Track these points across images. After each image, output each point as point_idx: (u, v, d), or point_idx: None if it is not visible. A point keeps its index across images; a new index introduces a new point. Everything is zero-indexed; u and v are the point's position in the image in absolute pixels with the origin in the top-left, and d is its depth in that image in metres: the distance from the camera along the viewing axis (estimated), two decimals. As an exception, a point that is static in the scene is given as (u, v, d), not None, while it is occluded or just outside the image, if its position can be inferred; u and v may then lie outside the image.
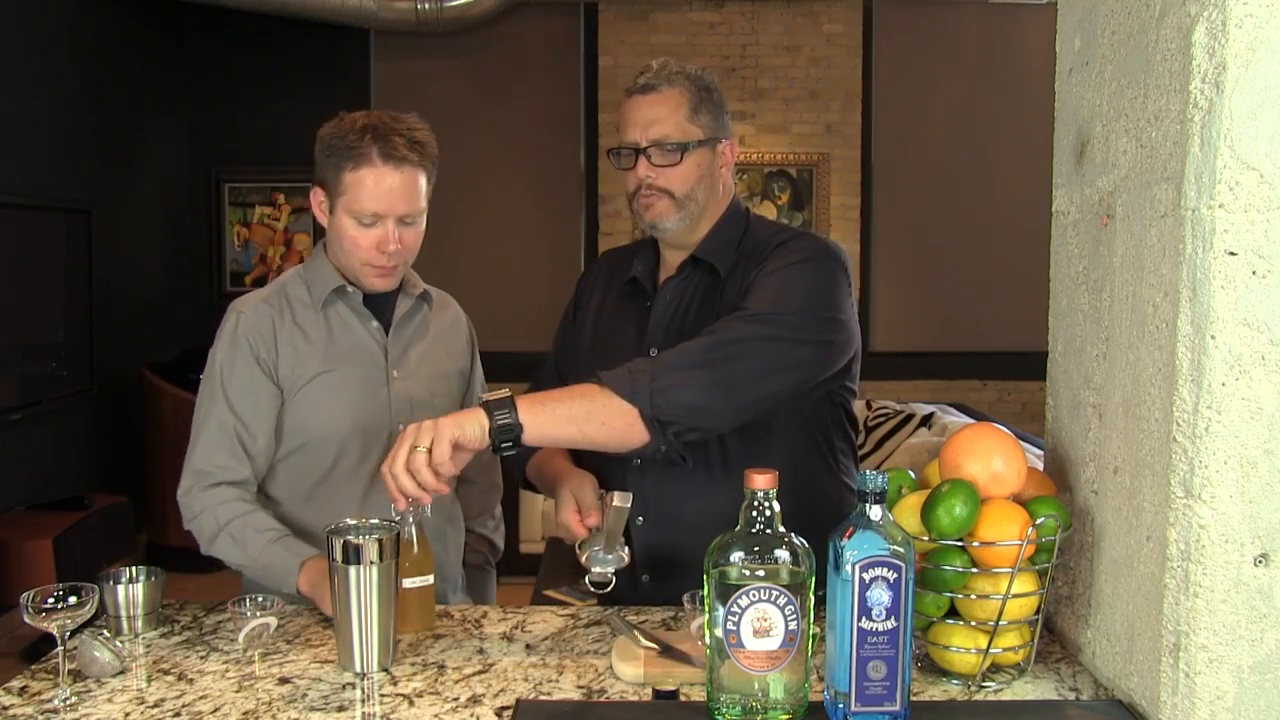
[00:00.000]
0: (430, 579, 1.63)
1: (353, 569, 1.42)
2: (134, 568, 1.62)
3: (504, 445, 1.50)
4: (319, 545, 1.77)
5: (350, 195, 1.79)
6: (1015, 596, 1.34)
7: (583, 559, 1.66)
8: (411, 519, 1.62)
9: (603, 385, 1.56)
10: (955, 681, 1.39)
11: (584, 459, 1.79)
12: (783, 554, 1.22)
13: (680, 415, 1.55)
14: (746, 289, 1.71)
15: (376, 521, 1.51)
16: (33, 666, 1.45)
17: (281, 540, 1.76)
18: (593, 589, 1.67)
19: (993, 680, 1.39)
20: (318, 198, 1.87)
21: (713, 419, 1.60)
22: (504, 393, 1.53)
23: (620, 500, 1.61)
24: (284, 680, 1.41)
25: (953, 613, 1.39)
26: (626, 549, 1.66)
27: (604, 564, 1.65)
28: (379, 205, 1.79)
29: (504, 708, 1.32)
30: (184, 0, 5.74)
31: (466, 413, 1.52)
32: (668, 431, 1.55)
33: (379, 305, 1.94)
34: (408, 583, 1.59)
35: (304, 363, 1.86)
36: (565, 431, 1.55)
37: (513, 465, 1.94)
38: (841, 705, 1.22)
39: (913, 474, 1.50)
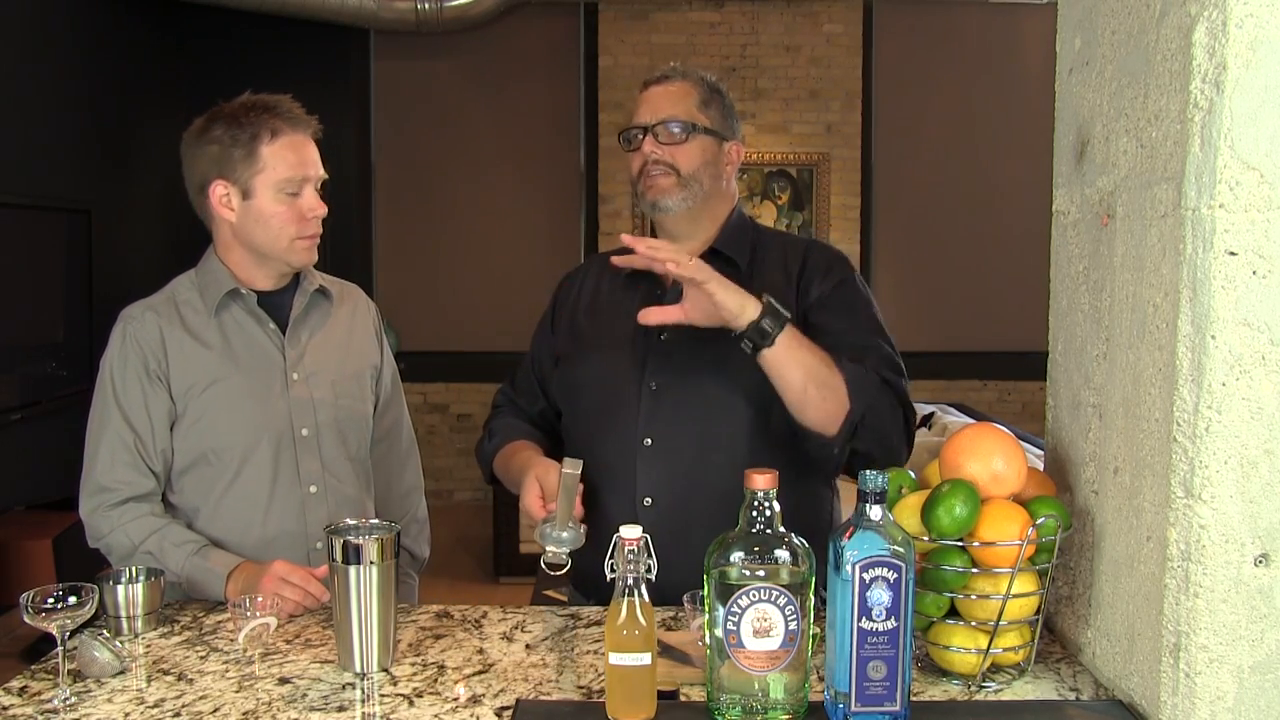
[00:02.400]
0: (647, 658, 1.24)
1: (353, 569, 1.42)
2: (134, 568, 1.61)
3: (751, 338, 1.57)
4: (233, 554, 1.78)
5: (272, 168, 1.79)
6: (1015, 596, 1.34)
7: (536, 538, 1.63)
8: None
9: (836, 363, 1.63)
10: (955, 681, 1.39)
11: (587, 445, 1.77)
12: (783, 554, 1.22)
13: (872, 441, 1.65)
14: (823, 303, 1.77)
15: (376, 522, 1.50)
16: (33, 666, 1.45)
17: (202, 552, 1.75)
18: (548, 570, 1.62)
19: (993, 680, 1.39)
20: (219, 192, 1.81)
21: (892, 456, 1.68)
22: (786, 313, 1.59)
23: (570, 466, 1.58)
24: (284, 680, 1.41)
25: (953, 613, 1.39)
26: (583, 527, 1.62)
27: (557, 543, 1.59)
28: (304, 169, 1.81)
29: (504, 708, 1.32)
30: (184, 0, 5.74)
31: (744, 294, 1.57)
32: (850, 442, 1.63)
33: (275, 306, 1.90)
34: (616, 659, 1.24)
35: (198, 371, 1.82)
36: (794, 374, 1.60)
37: (480, 459, 1.97)
38: (841, 705, 1.22)
39: (913, 474, 1.50)
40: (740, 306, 1.57)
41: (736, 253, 1.83)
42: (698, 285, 1.56)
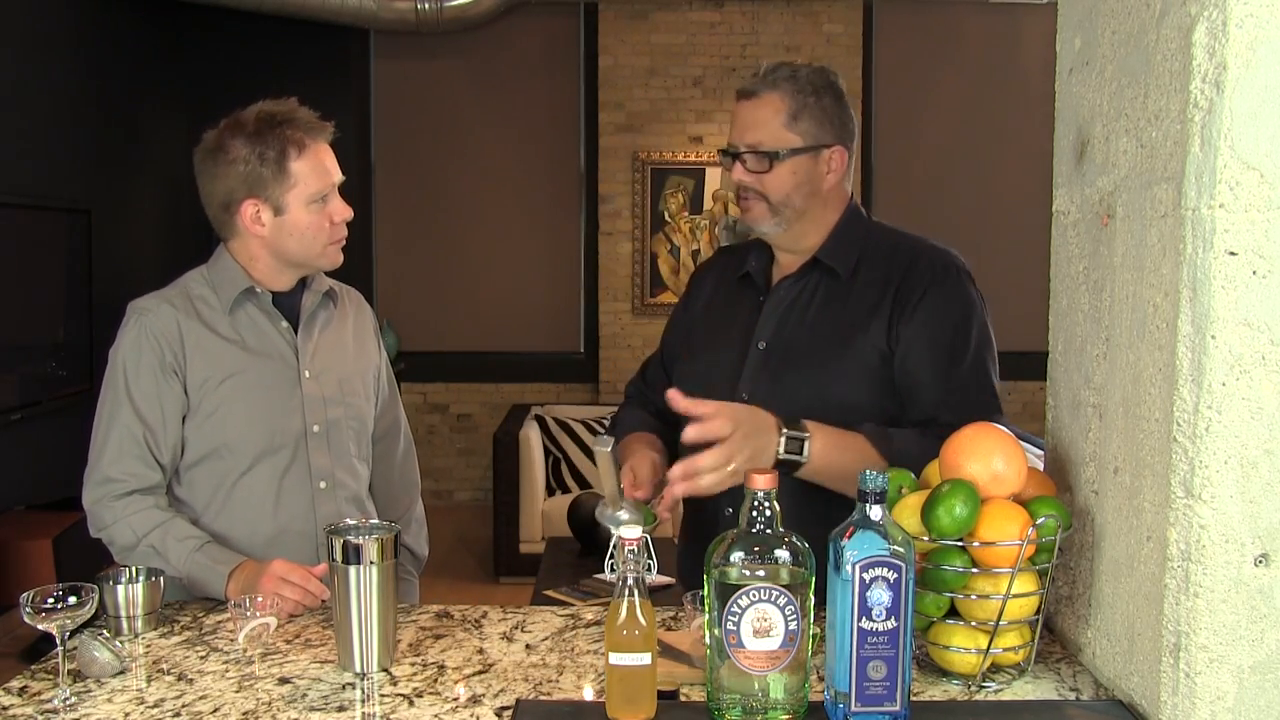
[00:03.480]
0: (647, 658, 1.25)
1: (353, 569, 1.42)
2: (134, 568, 1.61)
3: (783, 470, 1.56)
4: (235, 550, 1.78)
5: (304, 183, 1.80)
6: (1015, 596, 1.34)
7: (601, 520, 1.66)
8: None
9: (883, 446, 1.66)
10: (955, 681, 1.39)
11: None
12: (783, 554, 1.22)
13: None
14: (914, 331, 1.75)
15: (376, 522, 1.51)
16: (33, 666, 1.45)
17: (204, 549, 1.75)
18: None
19: (993, 680, 1.39)
20: (250, 211, 1.82)
21: None
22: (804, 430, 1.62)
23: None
24: (284, 680, 1.41)
25: (953, 613, 1.39)
26: (650, 505, 1.65)
27: (614, 523, 1.62)
28: (330, 177, 1.84)
29: (504, 708, 1.32)
30: (184, 0, 5.74)
31: (759, 434, 1.59)
32: None
33: (286, 305, 1.91)
34: (616, 659, 1.24)
35: (214, 364, 1.83)
36: (834, 479, 1.63)
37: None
38: (841, 705, 1.22)
39: (913, 474, 1.50)
40: (761, 450, 1.58)
41: (839, 261, 1.82)
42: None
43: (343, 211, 1.86)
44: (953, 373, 1.76)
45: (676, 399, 1.58)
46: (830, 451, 1.63)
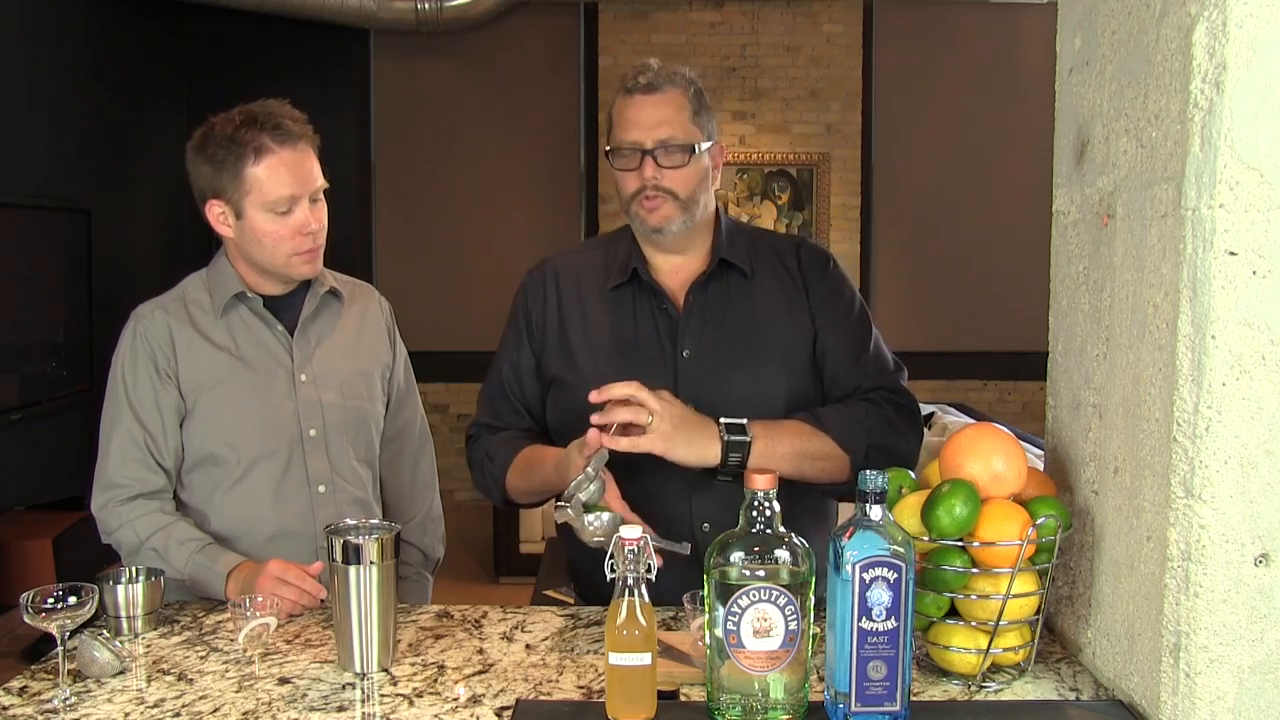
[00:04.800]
0: (647, 658, 1.25)
1: (353, 569, 1.42)
2: (134, 568, 1.61)
3: (728, 473, 1.61)
4: (236, 552, 1.78)
5: (259, 190, 1.77)
6: (1015, 596, 1.34)
7: (568, 514, 1.54)
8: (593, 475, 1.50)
9: (817, 425, 1.68)
10: (955, 681, 1.39)
11: (638, 474, 1.63)
12: (783, 554, 1.22)
13: (883, 460, 1.64)
14: (823, 313, 1.79)
15: (376, 522, 1.51)
16: (33, 666, 1.45)
17: (205, 550, 1.76)
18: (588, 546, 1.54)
19: (993, 680, 1.39)
20: (215, 210, 1.81)
21: (905, 461, 1.72)
22: (741, 420, 1.62)
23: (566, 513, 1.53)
24: (284, 680, 1.41)
25: (953, 613, 1.39)
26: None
27: (595, 523, 1.52)
28: (292, 188, 1.78)
29: (504, 708, 1.32)
30: (184, 0, 5.74)
31: (699, 440, 1.58)
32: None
33: (284, 307, 1.89)
34: (616, 659, 1.24)
35: (206, 370, 1.83)
36: (784, 467, 1.58)
37: (486, 486, 1.86)
38: (842, 705, 1.22)
39: (913, 474, 1.50)
40: (703, 453, 1.58)
41: (741, 259, 1.81)
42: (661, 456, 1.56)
43: (307, 223, 1.79)
44: (863, 350, 1.81)
45: (603, 393, 1.54)
46: (771, 441, 1.63)
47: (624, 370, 1.67)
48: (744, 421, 1.62)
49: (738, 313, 1.79)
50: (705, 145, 1.76)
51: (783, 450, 1.64)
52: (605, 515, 1.53)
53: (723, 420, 1.61)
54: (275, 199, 1.77)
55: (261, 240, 1.80)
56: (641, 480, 1.63)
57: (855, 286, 1.89)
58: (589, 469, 1.53)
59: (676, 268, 1.82)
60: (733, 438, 1.60)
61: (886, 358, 1.83)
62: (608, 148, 1.79)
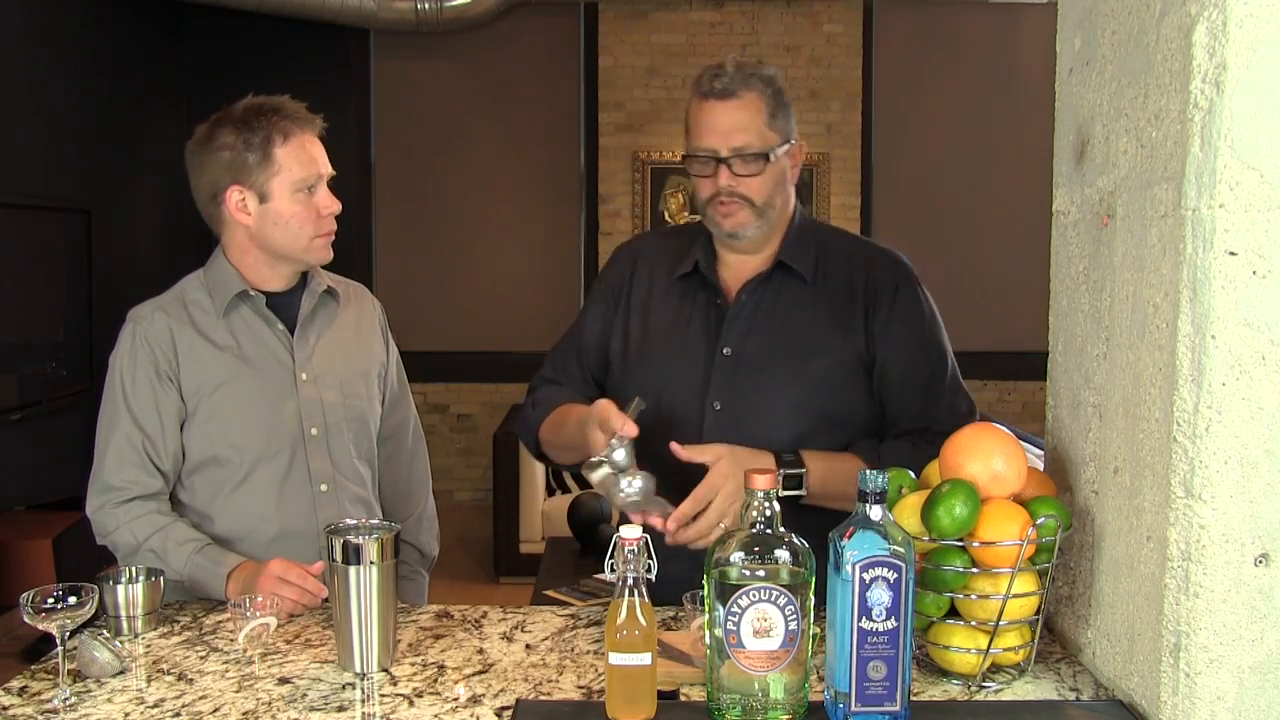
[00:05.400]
0: (647, 658, 1.25)
1: (353, 569, 1.42)
2: (134, 568, 1.61)
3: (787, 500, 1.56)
4: (237, 554, 1.78)
5: (289, 169, 1.79)
6: (1015, 596, 1.34)
7: (596, 479, 1.56)
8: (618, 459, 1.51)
9: (858, 454, 1.68)
10: (955, 681, 1.39)
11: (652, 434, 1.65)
12: (783, 554, 1.22)
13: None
14: (888, 338, 1.76)
15: (376, 522, 1.51)
16: (33, 666, 1.45)
17: (204, 551, 1.75)
18: (624, 513, 1.57)
19: (993, 680, 1.39)
20: (235, 198, 1.82)
21: None
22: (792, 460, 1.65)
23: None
24: (284, 680, 1.41)
25: (953, 613, 1.39)
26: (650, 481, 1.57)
27: (628, 489, 1.55)
28: (316, 167, 1.83)
29: (504, 708, 1.32)
30: (184, 0, 5.74)
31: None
32: None
33: (283, 306, 1.90)
34: (616, 658, 1.24)
35: (208, 371, 1.83)
36: (837, 502, 1.60)
37: (522, 429, 1.91)
38: (841, 705, 1.22)
39: (913, 474, 1.50)
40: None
41: (803, 264, 1.79)
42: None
43: (329, 204, 1.84)
44: (936, 385, 1.77)
45: (678, 451, 1.58)
46: (828, 478, 1.64)
47: (659, 358, 1.76)
48: (801, 472, 1.62)
49: (787, 318, 1.77)
50: (782, 149, 1.73)
51: (840, 486, 1.63)
52: (637, 482, 1.55)
53: (783, 472, 1.61)
54: (303, 177, 1.80)
55: (288, 223, 1.81)
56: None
57: (936, 311, 1.83)
58: (614, 440, 1.55)
59: (740, 264, 1.81)
60: (787, 492, 1.61)
61: (960, 400, 1.79)
62: (684, 155, 1.77)
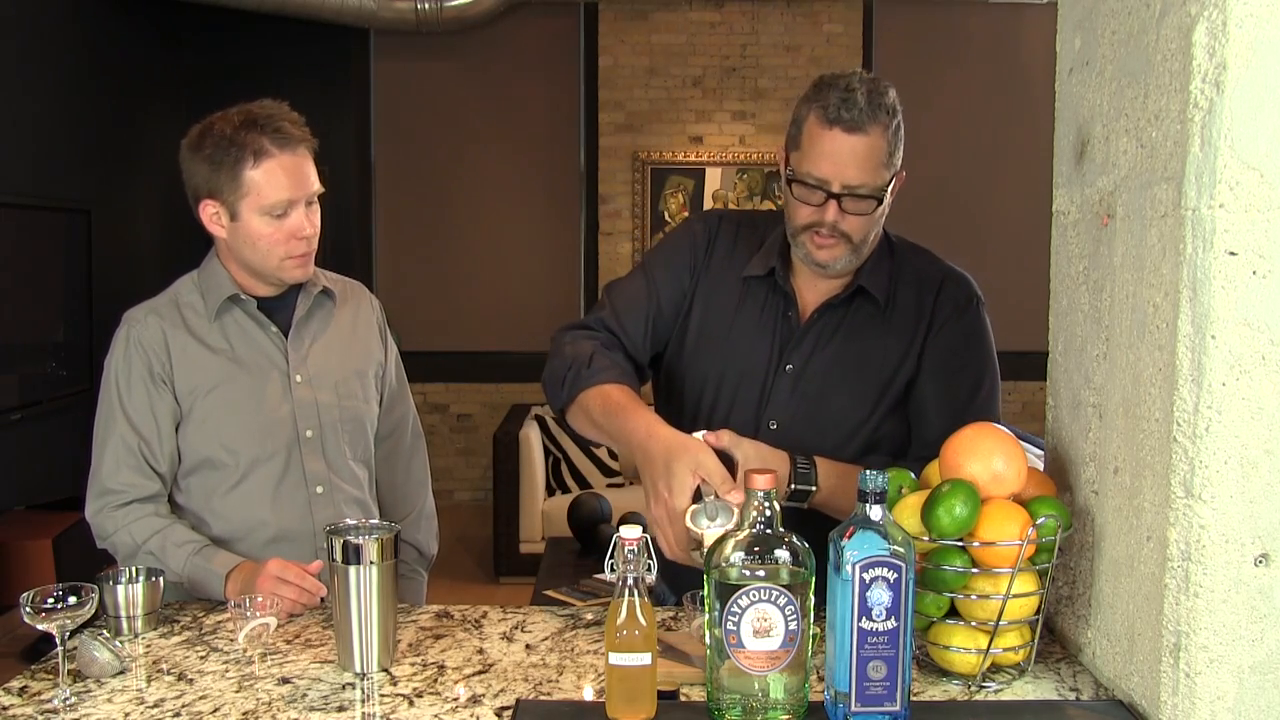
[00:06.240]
0: (647, 658, 1.25)
1: (352, 569, 1.42)
2: (134, 568, 1.61)
3: (800, 490, 1.61)
4: (234, 554, 1.78)
5: (257, 193, 1.76)
6: (1015, 596, 1.34)
7: (696, 526, 1.47)
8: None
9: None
10: (955, 681, 1.39)
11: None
12: (783, 554, 1.22)
13: None
14: (936, 355, 1.75)
15: (376, 522, 1.51)
16: (33, 666, 1.45)
17: (202, 552, 1.75)
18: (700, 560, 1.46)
19: (993, 680, 1.39)
20: (209, 210, 1.80)
21: None
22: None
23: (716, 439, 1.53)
24: (284, 680, 1.41)
25: (953, 613, 1.39)
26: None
27: (724, 524, 1.45)
28: (290, 192, 1.77)
29: (504, 708, 1.32)
30: (184, 0, 5.74)
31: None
32: None
33: (277, 308, 1.89)
34: (616, 658, 1.25)
35: (201, 374, 1.82)
36: (841, 511, 1.59)
37: (566, 384, 1.71)
38: (841, 705, 1.22)
39: (913, 474, 1.50)
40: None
41: (878, 288, 1.75)
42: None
43: (302, 228, 1.79)
44: (967, 413, 1.72)
45: (709, 438, 1.54)
46: (835, 493, 1.62)
47: (718, 356, 1.75)
48: (812, 488, 1.62)
49: (857, 341, 1.75)
50: (891, 186, 1.66)
51: (835, 506, 1.62)
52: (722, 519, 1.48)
53: (794, 486, 1.61)
54: (272, 203, 1.76)
55: (255, 243, 1.79)
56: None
57: (993, 345, 1.80)
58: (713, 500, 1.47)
59: (816, 278, 1.76)
60: (798, 486, 1.61)
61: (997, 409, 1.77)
62: (790, 178, 1.67)
